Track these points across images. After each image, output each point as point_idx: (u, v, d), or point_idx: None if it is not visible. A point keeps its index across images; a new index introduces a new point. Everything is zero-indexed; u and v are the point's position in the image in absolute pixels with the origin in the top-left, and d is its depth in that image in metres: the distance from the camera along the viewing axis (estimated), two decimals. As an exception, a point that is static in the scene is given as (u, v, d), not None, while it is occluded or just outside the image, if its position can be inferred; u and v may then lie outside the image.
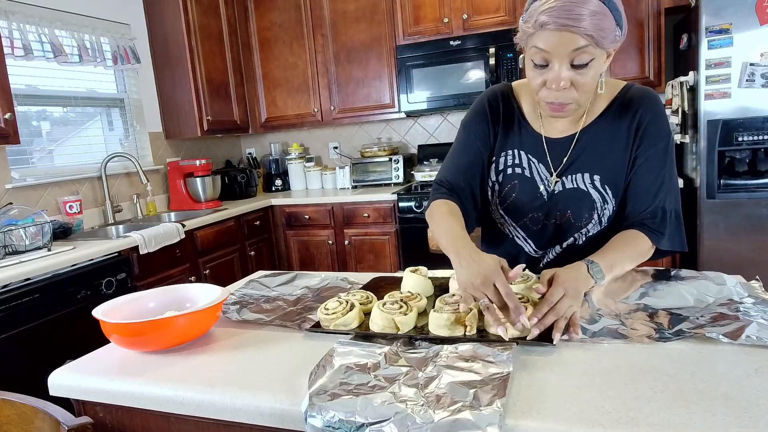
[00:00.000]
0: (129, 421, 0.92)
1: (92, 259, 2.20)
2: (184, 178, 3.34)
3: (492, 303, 0.91)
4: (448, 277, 1.19)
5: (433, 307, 0.98)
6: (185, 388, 0.84)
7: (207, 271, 2.91)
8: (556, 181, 1.20)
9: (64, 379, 0.94)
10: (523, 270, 1.00)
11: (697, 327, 0.88)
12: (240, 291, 1.30)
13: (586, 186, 1.17)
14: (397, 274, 1.32)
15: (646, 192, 1.14)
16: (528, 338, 0.88)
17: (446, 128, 3.75)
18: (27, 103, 2.65)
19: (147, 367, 0.93)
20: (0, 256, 2.09)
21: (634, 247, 1.10)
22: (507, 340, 0.87)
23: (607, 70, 1.08)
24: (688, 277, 1.12)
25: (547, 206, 1.22)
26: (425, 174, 3.37)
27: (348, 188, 3.72)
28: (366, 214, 3.33)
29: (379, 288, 1.24)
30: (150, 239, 2.47)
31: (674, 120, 2.78)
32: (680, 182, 2.59)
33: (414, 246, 3.19)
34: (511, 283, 1.04)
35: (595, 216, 1.19)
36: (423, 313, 1.03)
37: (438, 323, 0.93)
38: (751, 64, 2.49)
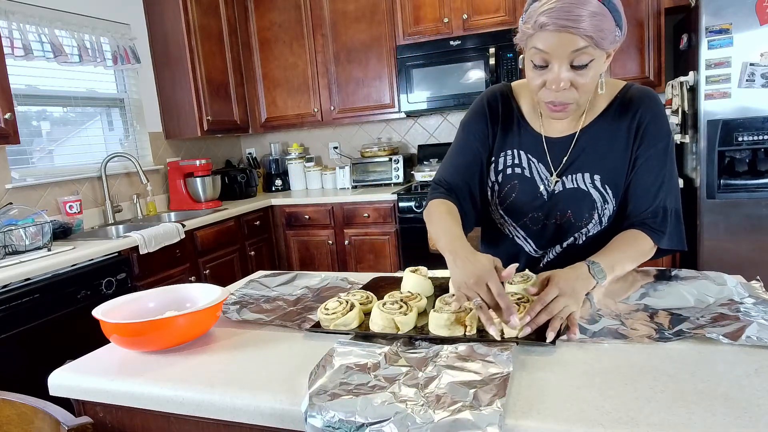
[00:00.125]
0: (129, 421, 0.92)
1: (92, 259, 2.20)
2: (184, 178, 3.34)
3: (484, 303, 0.91)
4: (448, 277, 1.19)
5: (433, 307, 0.98)
6: (185, 388, 0.84)
7: (207, 271, 2.91)
8: (557, 181, 1.20)
9: (64, 379, 0.94)
10: (517, 270, 1.00)
11: (698, 327, 0.88)
12: (240, 291, 1.30)
13: (586, 186, 1.17)
14: (397, 274, 1.32)
15: (647, 192, 1.14)
16: (519, 335, 0.88)
17: (446, 128, 3.75)
18: (27, 103, 2.65)
19: (147, 367, 0.93)
20: (0, 256, 2.09)
21: (635, 247, 1.11)
22: (498, 339, 0.87)
23: (607, 70, 1.08)
24: (689, 277, 1.12)
25: (547, 206, 1.22)
26: (425, 174, 3.37)
27: (348, 188, 3.71)
28: (366, 214, 3.33)
29: (379, 288, 1.24)
30: (150, 239, 2.47)
31: (674, 120, 2.78)
32: (680, 182, 2.58)
33: (414, 246, 3.19)
34: (509, 283, 1.05)
35: (596, 216, 1.19)
36: (423, 313, 1.03)
37: (438, 323, 0.93)
38: (751, 64, 2.48)
